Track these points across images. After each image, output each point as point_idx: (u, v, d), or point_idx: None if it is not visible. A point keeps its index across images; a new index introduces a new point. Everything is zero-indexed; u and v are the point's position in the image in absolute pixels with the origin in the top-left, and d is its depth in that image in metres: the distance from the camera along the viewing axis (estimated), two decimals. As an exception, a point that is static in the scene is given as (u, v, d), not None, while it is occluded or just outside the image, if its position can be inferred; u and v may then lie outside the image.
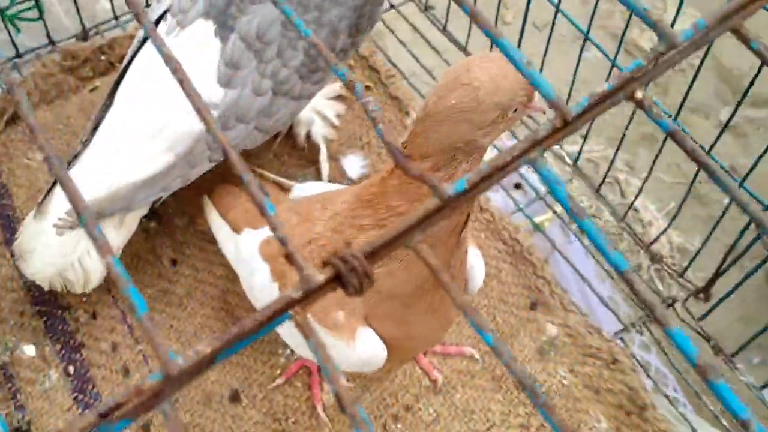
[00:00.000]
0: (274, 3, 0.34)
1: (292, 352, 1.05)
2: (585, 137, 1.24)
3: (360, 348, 0.76)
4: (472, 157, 0.67)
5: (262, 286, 0.85)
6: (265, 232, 0.89)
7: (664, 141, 1.02)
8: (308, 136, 1.24)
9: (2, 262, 1.13)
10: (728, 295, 1.11)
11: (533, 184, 1.27)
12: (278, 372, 1.04)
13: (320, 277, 0.27)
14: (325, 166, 1.20)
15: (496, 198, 1.27)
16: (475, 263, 0.85)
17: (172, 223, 1.17)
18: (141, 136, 1.01)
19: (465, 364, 1.06)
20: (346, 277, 0.27)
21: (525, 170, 1.28)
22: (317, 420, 1.01)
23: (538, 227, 1.23)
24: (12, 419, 1.02)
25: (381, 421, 1.01)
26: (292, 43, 0.99)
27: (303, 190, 0.98)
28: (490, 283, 1.12)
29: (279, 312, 0.28)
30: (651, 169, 1.11)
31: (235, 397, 1.03)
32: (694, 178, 1.04)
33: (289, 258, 0.27)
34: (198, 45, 0.99)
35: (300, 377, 1.04)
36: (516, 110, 0.65)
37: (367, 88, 1.33)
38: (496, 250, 1.16)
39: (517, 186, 1.30)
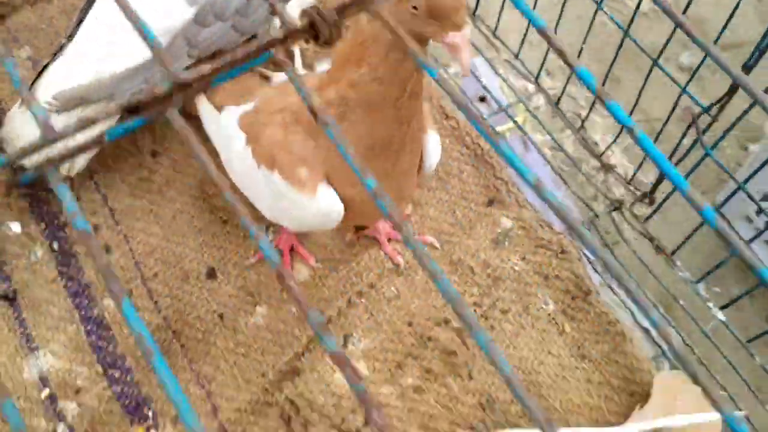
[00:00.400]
0: None
1: (266, 233, 1.13)
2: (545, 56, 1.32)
3: (321, 202, 0.84)
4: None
5: (238, 154, 0.92)
6: (243, 108, 0.95)
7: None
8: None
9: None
10: (668, 197, 1.20)
11: (497, 97, 1.35)
12: (252, 252, 1.12)
13: (298, 22, 0.35)
14: (297, 60, 1.27)
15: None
16: (432, 145, 0.92)
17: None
18: (122, 30, 1.06)
19: (426, 251, 1.14)
20: (319, 25, 0.35)
21: (489, 84, 1.36)
22: (288, 294, 1.08)
23: (499, 136, 1.31)
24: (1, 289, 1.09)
25: (346, 296, 1.09)
26: None
27: (283, 78, 1.05)
28: (451, 182, 1.21)
29: (264, 48, 0.35)
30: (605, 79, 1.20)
31: (211, 274, 1.11)
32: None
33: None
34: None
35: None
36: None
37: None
38: (458, 153, 1.24)
39: (482, 99, 1.38)
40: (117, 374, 1.03)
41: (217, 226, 1.14)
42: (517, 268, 1.14)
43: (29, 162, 0.41)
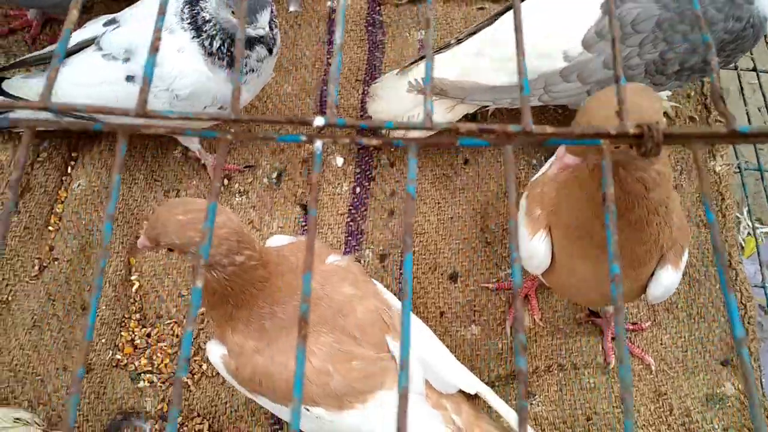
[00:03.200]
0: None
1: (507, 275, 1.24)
2: None
3: (534, 242, 0.95)
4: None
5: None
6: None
7: None
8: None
9: (354, 94, 1.44)
10: None
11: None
12: (494, 280, 1.24)
13: (632, 129, 0.46)
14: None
15: (749, 268, 1.34)
16: (662, 277, 0.95)
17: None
18: (504, 54, 1.23)
19: (639, 368, 1.18)
20: (646, 140, 0.45)
21: (790, 260, 1.33)
22: (502, 330, 1.20)
23: (770, 310, 1.28)
24: (305, 199, 1.33)
25: (548, 362, 1.17)
26: (655, 42, 1.14)
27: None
28: (699, 325, 1.22)
29: (599, 136, 0.46)
30: None
31: (453, 277, 1.25)
32: None
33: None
34: (584, 7, 1.17)
35: (504, 293, 1.23)
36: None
37: (692, 119, 1.44)
38: (722, 303, 1.24)
39: (773, 268, 1.34)
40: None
41: (479, 243, 1.28)
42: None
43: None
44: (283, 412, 0.93)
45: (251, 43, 1.09)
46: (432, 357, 0.92)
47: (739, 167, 1.43)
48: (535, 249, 0.97)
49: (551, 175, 0.82)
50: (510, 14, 1.28)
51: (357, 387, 0.88)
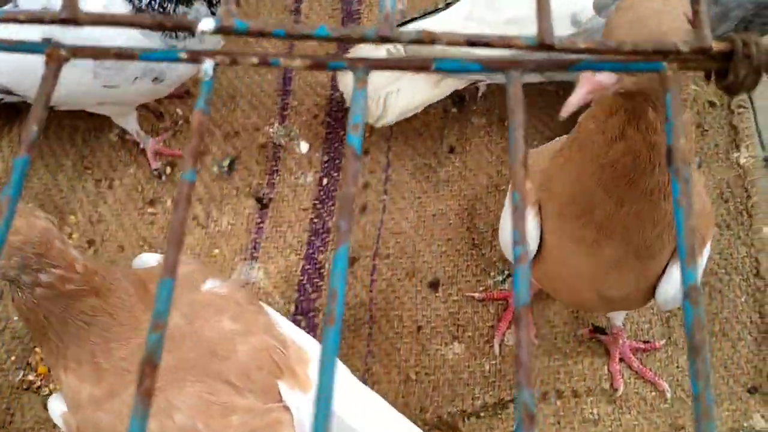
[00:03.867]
0: None
1: (504, 280, 1.06)
2: None
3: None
4: None
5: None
6: None
7: None
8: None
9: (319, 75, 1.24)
10: None
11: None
12: (481, 289, 1.05)
13: (714, 43, 0.26)
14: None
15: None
16: (679, 274, 0.75)
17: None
18: (500, 18, 1.03)
19: (651, 395, 0.99)
20: (737, 58, 0.26)
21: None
22: (490, 348, 1.01)
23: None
24: (261, 192, 1.14)
25: (545, 387, 0.99)
26: None
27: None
28: (723, 345, 1.03)
29: (660, 53, 0.27)
30: None
31: (433, 285, 1.06)
32: None
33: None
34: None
35: (492, 304, 1.04)
36: None
37: (711, 104, 1.25)
38: (758, 315, 1.05)
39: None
40: (303, 324, 1.03)
41: (465, 245, 1.09)
42: (742, 476, 0.94)
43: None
44: None
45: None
46: (350, 415, 0.73)
47: (765, 159, 1.24)
48: (509, 222, 0.76)
49: (574, 102, 0.57)
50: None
51: None
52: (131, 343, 0.71)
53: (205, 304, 0.75)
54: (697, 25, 0.27)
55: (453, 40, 0.27)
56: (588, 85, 0.53)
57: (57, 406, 0.74)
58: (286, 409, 0.73)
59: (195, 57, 0.27)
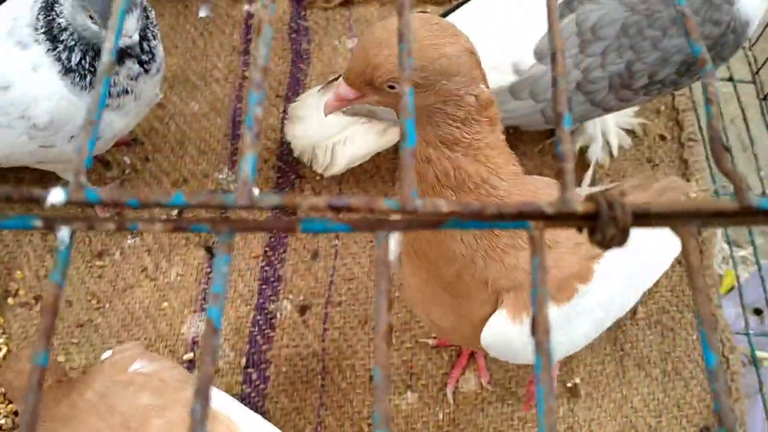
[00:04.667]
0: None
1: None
2: None
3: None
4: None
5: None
6: None
7: None
8: (581, 150, 1.21)
9: (273, 112, 1.23)
10: None
11: (776, 318, 1.14)
12: (434, 335, 1.05)
13: (580, 206, 0.26)
14: (585, 185, 1.16)
15: (729, 311, 1.16)
16: (494, 323, 0.74)
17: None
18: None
19: (605, 438, 0.99)
20: (602, 220, 0.26)
21: (776, 300, 1.15)
22: (444, 396, 1.00)
23: (755, 361, 1.11)
24: (210, 241, 1.13)
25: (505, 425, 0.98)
26: (620, 50, 0.96)
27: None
28: (675, 383, 1.04)
29: (525, 216, 0.27)
30: None
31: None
32: None
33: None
34: (537, 7, 0.98)
35: (447, 350, 1.04)
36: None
37: (662, 137, 1.26)
38: (698, 354, 1.06)
39: (757, 312, 1.17)
40: (254, 376, 1.02)
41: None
42: None
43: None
44: None
45: (120, 56, 0.87)
46: None
47: (716, 192, 1.25)
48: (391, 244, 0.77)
49: (326, 107, 0.69)
50: (460, 12, 1.08)
51: None
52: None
53: (126, 383, 0.77)
54: (564, 189, 0.26)
55: (314, 205, 0.26)
56: (334, 96, 0.65)
57: None
58: None
59: (50, 224, 0.27)
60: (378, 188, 1.17)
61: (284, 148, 1.20)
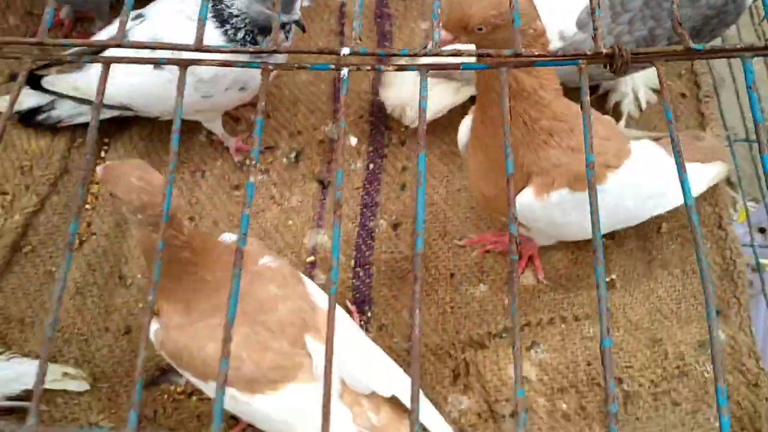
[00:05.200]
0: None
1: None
2: None
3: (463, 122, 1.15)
4: None
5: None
6: None
7: None
8: (616, 104, 1.49)
9: (365, 80, 1.54)
10: None
11: (778, 235, 1.40)
12: (464, 238, 1.34)
13: (604, 50, 0.56)
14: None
15: (739, 231, 1.43)
16: (521, 195, 0.99)
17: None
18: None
19: (636, 317, 1.26)
20: (616, 57, 0.55)
21: (776, 221, 1.42)
22: (508, 288, 1.29)
23: (758, 267, 1.37)
24: (321, 176, 1.44)
25: (552, 314, 1.27)
26: (644, 18, 1.24)
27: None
28: (692, 280, 1.31)
29: (572, 56, 0.56)
30: None
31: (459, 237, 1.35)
32: None
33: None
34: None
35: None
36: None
37: (683, 95, 1.54)
38: (721, 258, 1.32)
39: (762, 230, 1.44)
40: (361, 273, 1.32)
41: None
42: (707, 375, 1.21)
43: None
44: (206, 389, 1.01)
45: (282, 28, 1.21)
46: (349, 357, 0.97)
47: (728, 138, 1.52)
48: (460, 127, 1.14)
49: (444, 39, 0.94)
50: None
51: (268, 376, 0.94)
52: (211, 300, 0.95)
53: (260, 274, 1.00)
54: (596, 39, 0.56)
55: (470, 53, 0.57)
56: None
57: (153, 325, 0.99)
58: (308, 355, 0.97)
59: (338, 66, 0.57)
60: (451, 136, 1.47)
61: (374, 108, 1.51)
